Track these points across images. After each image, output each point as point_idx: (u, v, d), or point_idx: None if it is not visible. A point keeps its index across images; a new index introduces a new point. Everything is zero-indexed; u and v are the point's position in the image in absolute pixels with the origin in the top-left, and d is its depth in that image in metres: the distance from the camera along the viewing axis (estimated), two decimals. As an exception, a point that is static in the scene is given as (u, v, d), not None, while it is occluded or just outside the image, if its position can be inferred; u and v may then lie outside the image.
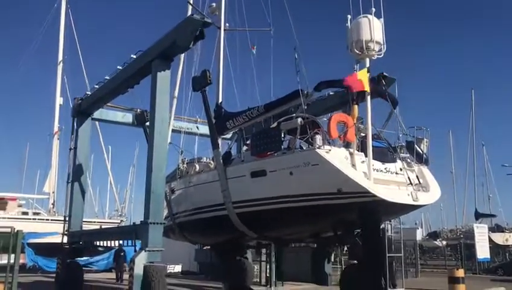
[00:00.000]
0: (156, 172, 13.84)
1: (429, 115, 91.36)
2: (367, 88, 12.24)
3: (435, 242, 50.60)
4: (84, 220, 31.04)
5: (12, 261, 13.30)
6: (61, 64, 35.88)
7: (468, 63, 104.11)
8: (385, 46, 12.80)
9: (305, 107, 12.59)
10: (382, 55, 12.86)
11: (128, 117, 20.67)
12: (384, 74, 14.24)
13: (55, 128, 32.50)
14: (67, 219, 19.49)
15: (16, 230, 13.87)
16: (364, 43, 12.54)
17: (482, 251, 31.59)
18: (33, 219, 34.04)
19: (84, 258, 26.22)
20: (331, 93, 16.71)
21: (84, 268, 26.50)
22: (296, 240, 17.86)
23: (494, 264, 33.88)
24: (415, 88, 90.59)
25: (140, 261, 12.92)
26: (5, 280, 13.01)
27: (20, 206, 36.48)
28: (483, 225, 37.48)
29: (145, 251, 13.05)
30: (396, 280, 19.52)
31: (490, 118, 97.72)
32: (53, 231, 26.11)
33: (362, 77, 12.14)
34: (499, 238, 40.08)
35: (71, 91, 35.02)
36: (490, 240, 34.20)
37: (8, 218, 30.69)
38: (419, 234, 49.07)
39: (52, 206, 37.75)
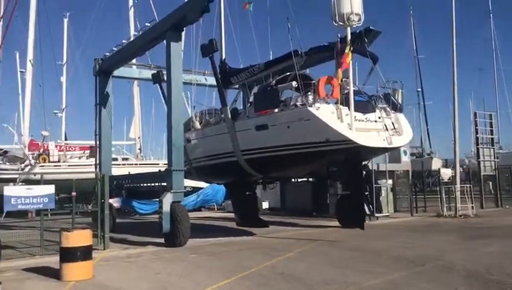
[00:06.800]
0: (175, 127, 15.48)
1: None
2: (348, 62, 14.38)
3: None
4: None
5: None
6: (132, 9, 35.99)
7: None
8: (363, 16, 14.71)
9: (299, 66, 14.84)
10: (361, 24, 14.84)
11: (144, 73, 22.55)
12: (371, 27, 15.84)
13: (135, 75, 32.87)
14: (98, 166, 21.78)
15: (102, 175, 14.89)
16: (345, 15, 14.40)
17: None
18: (123, 164, 34.12)
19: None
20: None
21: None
22: (296, 177, 20.62)
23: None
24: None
25: (167, 201, 14.70)
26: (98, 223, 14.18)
27: (109, 152, 37.99)
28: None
29: (171, 192, 14.86)
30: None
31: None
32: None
33: (347, 53, 14.21)
34: None
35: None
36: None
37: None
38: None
39: (139, 151, 38.31)
